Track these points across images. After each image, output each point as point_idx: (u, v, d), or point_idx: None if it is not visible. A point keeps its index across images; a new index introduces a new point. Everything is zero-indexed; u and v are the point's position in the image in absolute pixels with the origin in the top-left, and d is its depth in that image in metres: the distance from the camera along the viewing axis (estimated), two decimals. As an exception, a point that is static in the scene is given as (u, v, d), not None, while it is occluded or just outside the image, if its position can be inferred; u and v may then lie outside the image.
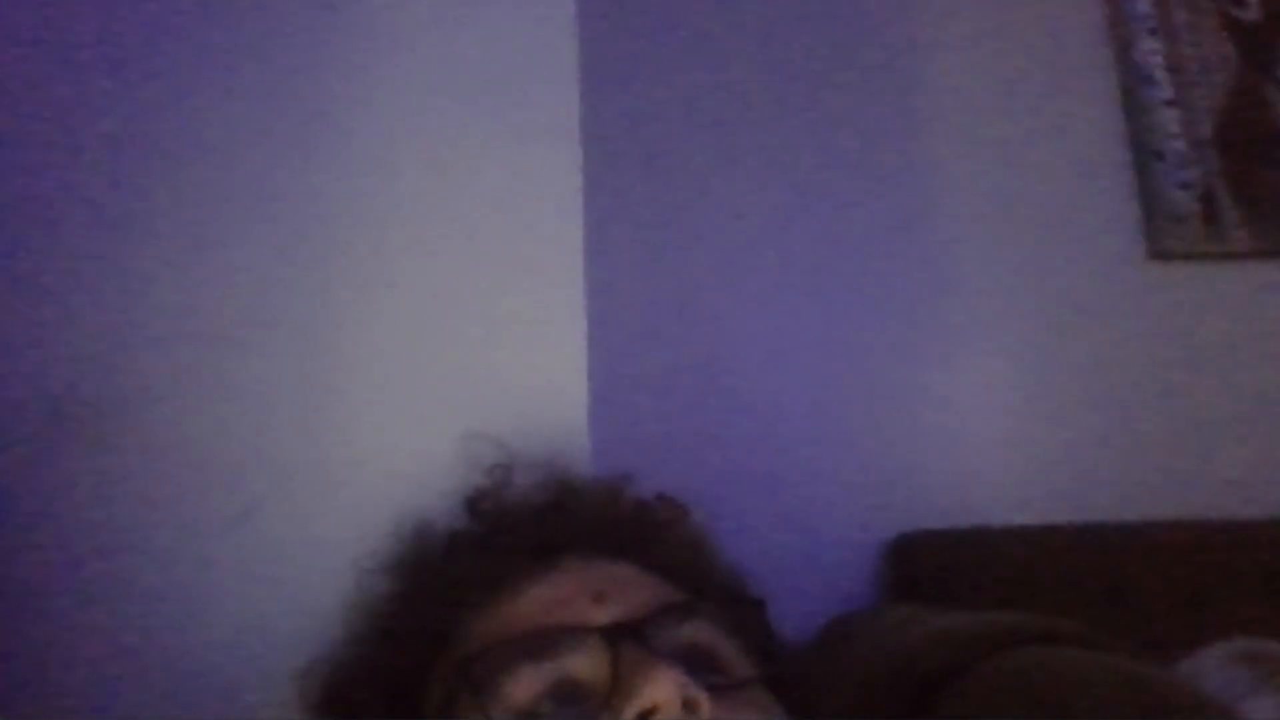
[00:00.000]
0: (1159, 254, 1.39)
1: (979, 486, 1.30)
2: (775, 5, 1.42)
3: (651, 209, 1.31)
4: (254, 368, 0.65)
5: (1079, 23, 1.46)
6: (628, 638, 0.45)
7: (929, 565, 1.18)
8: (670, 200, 1.33)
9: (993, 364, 1.36)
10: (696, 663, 0.45)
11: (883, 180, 1.39)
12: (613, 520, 0.56)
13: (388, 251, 0.69)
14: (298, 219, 0.68)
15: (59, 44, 0.66)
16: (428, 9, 0.71)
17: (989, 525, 1.22)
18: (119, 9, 0.67)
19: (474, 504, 0.59)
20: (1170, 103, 1.43)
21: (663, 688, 0.41)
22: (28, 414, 0.61)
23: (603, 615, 0.47)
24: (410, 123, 0.70)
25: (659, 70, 1.37)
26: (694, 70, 1.38)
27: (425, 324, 0.68)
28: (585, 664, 0.45)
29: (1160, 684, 0.57)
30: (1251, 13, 1.45)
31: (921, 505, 1.26)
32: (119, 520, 0.62)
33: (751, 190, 1.35)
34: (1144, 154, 1.41)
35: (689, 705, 0.42)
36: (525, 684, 0.45)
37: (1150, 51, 1.44)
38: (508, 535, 0.55)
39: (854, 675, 0.71)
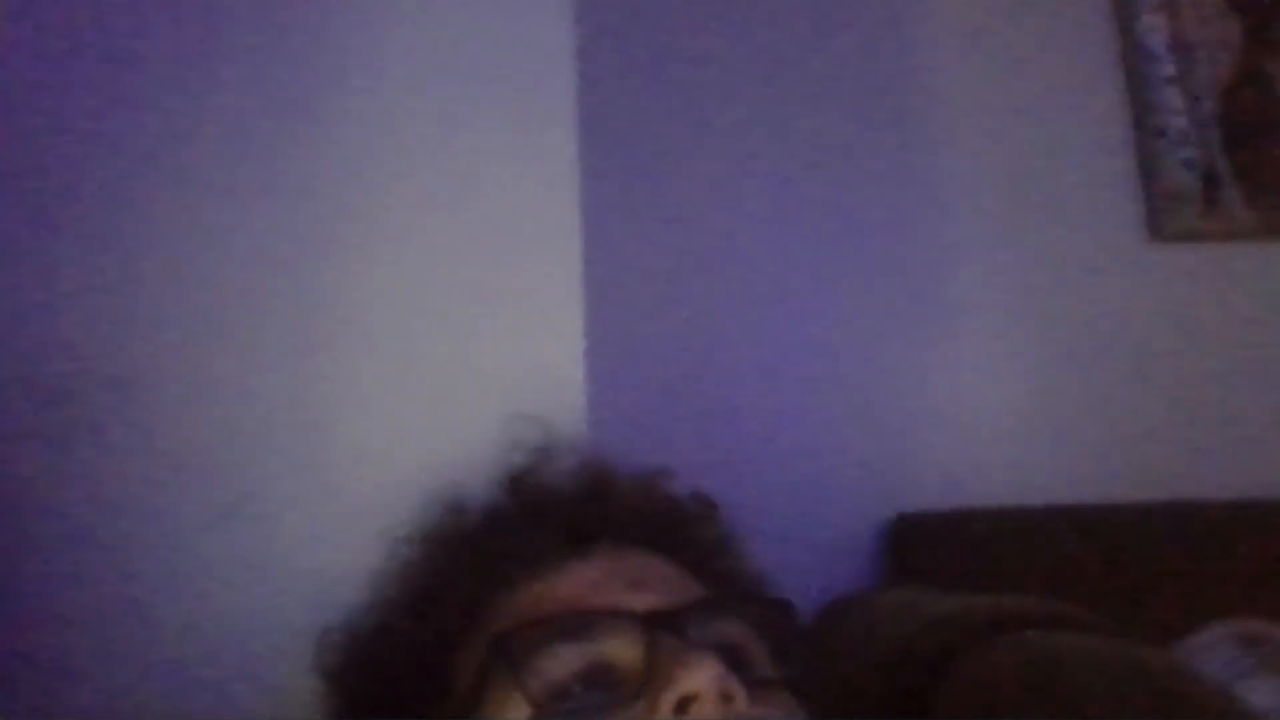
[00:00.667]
0: (1160, 234, 1.39)
1: (978, 468, 1.30)
2: (775, -18, 1.40)
3: (649, 188, 1.30)
4: (246, 357, 0.65)
5: (1081, 2, 1.45)
6: (664, 627, 0.45)
7: (927, 546, 1.18)
8: (668, 179, 1.32)
9: (992, 345, 1.36)
10: (729, 657, 0.45)
11: (883, 160, 1.38)
12: (648, 512, 0.56)
13: (381, 236, 0.68)
14: (290, 205, 0.67)
15: (54, 30, 0.65)
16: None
17: (987, 506, 1.22)
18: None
19: (514, 483, 0.59)
20: (1173, 80, 1.42)
21: (702, 677, 0.42)
22: (15, 404, 0.61)
23: (640, 602, 0.47)
24: (404, 104, 0.70)
25: (656, 48, 1.36)
26: (692, 46, 1.37)
27: (419, 308, 0.68)
28: (621, 648, 0.45)
29: (1158, 668, 0.57)
30: (1255, -10, 1.44)
31: (920, 486, 1.27)
32: (109, 511, 0.61)
33: (750, 170, 1.35)
34: (1146, 132, 1.41)
35: (725, 696, 0.42)
36: (561, 663, 0.45)
37: (1154, 29, 1.43)
38: (545, 516, 0.54)
39: (855, 658, 0.71)
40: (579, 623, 0.46)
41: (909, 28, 1.42)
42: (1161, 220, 1.39)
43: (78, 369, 0.62)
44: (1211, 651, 0.97)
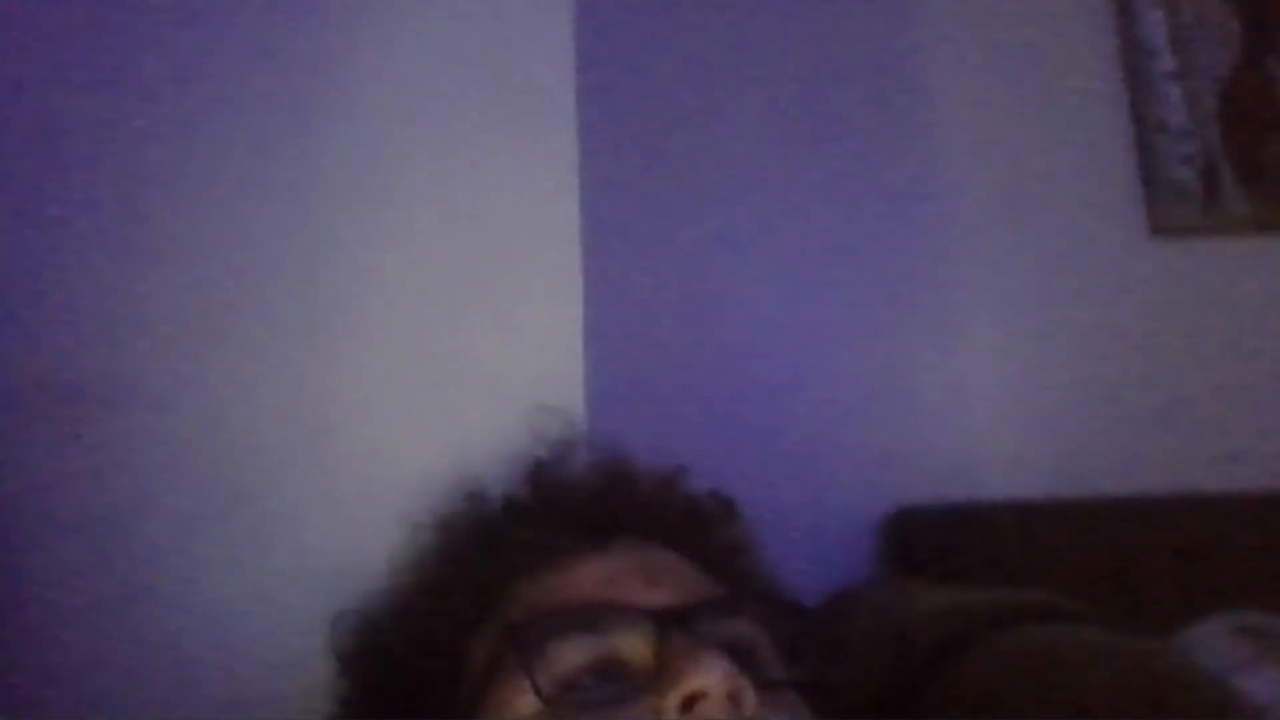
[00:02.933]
0: (1160, 229, 1.39)
1: (978, 461, 1.30)
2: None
3: (648, 184, 1.31)
4: (244, 354, 0.65)
5: (1080, -2, 1.45)
6: (676, 624, 0.45)
7: (927, 539, 1.19)
8: (667, 175, 1.32)
9: (992, 338, 1.36)
10: (739, 658, 0.45)
11: (882, 155, 1.38)
12: (666, 509, 0.56)
13: (382, 232, 0.68)
14: (289, 203, 0.67)
15: (52, 26, 0.65)
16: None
17: (986, 499, 1.22)
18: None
19: (534, 475, 0.59)
20: (1173, 76, 1.42)
21: (710, 675, 0.42)
22: (10, 400, 0.61)
23: (654, 598, 0.47)
24: (404, 101, 0.70)
25: (656, 45, 1.36)
26: (692, 44, 1.37)
27: (418, 301, 0.68)
28: (632, 644, 0.46)
29: (1156, 661, 0.57)
30: (1255, -17, 1.44)
31: (920, 480, 1.27)
32: (105, 509, 0.61)
33: (748, 166, 1.35)
34: (1146, 128, 1.41)
35: (734, 697, 0.42)
36: (571, 655, 0.45)
37: (1153, 23, 1.43)
38: (564, 509, 0.55)
39: (857, 649, 0.72)
40: (590, 616, 0.46)
41: (908, 22, 1.42)
42: (1161, 215, 1.39)
43: (78, 364, 0.62)
44: (1210, 643, 0.98)
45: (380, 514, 0.60)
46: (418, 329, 0.68)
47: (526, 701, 0.45)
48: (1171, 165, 1.39)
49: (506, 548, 0.52)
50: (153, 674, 0.60)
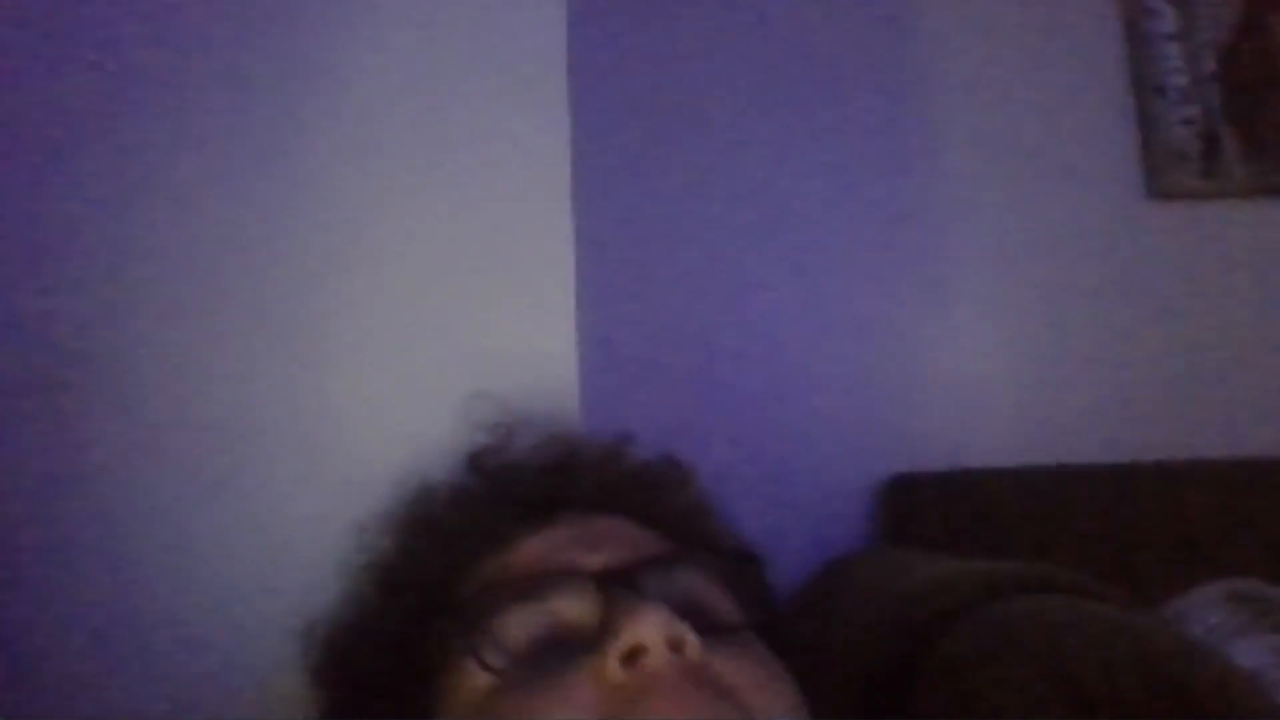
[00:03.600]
0: (1159, 192, 1.38)
1: (974, 428, 1.30)
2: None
3: (642, 157, 1.29)
4: (234, 330, 0.64)
5: (1082, -45, 1.43)
6: (619, 583, 0.45)
7: (922, 507, 1.19)
8: (659, 147, 1.31)
9: (989, 303, 1.36)
10: (689, 609, 0.44)
11: (880, 120, 1.37)
12: (613, 478, 0.56)
13: (371, 211, 0.67)
14: (281, 179, 0.66)
15: (35, 14, 0.64)
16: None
17: (983, 466, 1.23)
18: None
19: (476, 460, 0.58)
20: (1173, 37, 1.40)
21: (647, 627, 0.41)
22: (2, 383, 0.60)
23: (595, 561, 0.47)
24: (396, 83, 0.69)
25: (650, 22, 1.34)
26: (682, 21, 1.35)
27: (410, 284, 0.67)
28: (576, 607, 0.45)
29: (1153, 634, 0.57)
30: (1257, -56, 1.42)
31: (915, 447, 1.27)
32: (92, 487, 0.61)
33: (744, 135, 1.33)
34: (1145, 90, 1.39)
35: (674, 644, 0.41)
36: (516, 626, 0.45)
37: (1154, -16, 1.41)
38: (508, 491, 0.54)
39: (854, 618, 0.72)
40: (531, 585, 0.46)
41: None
42: (1160, 179, 1.38)
43: (53, 343, 0.61)
44: (1203, 610, 0.98)
45: (373, 497, 0.59)
46: (408, 313, 0.67)
47: (476, 681, 0.44)
48: (1171, 128, 1.38)
49: (453, 539, 0.52)
50: (139, 651, 0.60)
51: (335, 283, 0.66)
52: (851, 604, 0.78)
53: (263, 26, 0.67)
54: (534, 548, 0.49)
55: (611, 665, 0.41)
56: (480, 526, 0.51)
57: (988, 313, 1.36)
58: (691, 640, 0.41)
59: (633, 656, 0.41)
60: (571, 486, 0.54)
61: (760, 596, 0.50)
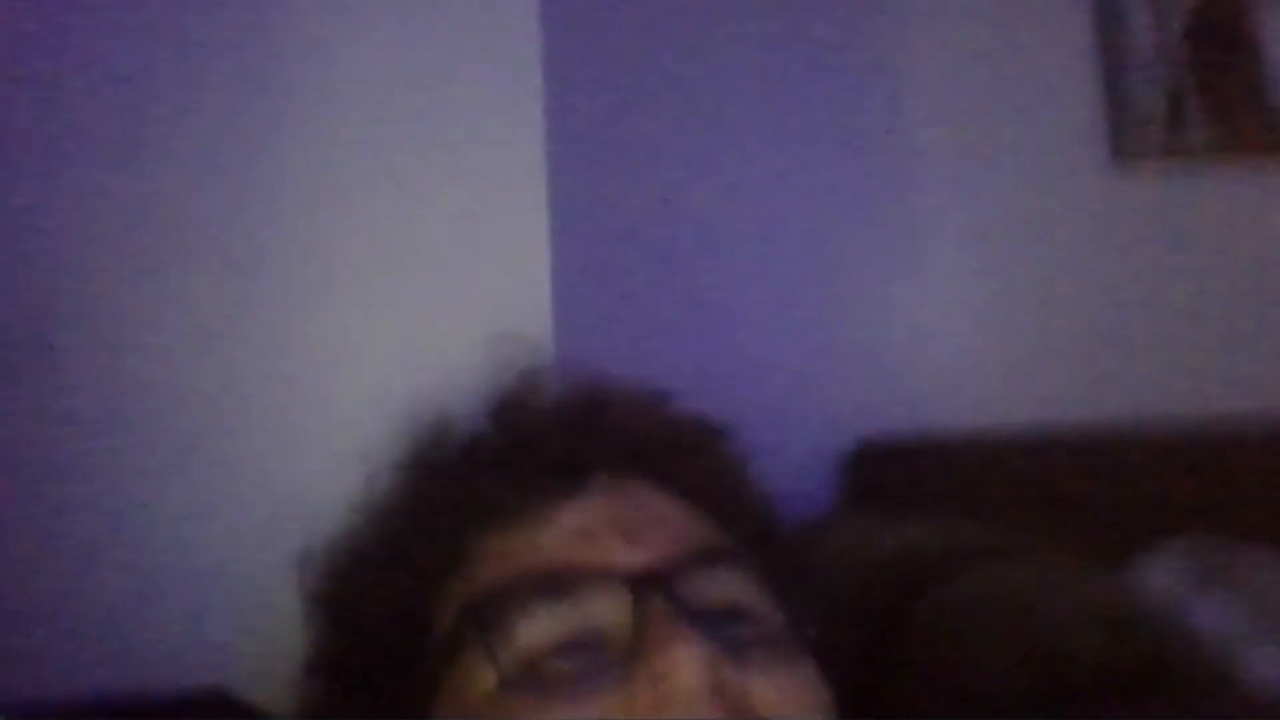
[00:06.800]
0: (1124, 154, 1.38)
1: (941, 392, 1.31)
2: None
3: (613, 119, 1.27)
4: (199, 284, 0.63)
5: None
6: (655, 589, 0.41)
7: (890, 472, 1.20)
8: (631, 111, 1.29)
9: (956, 265, 1.37)
10: (728, 616, 0.42)
11: (849, 84, 1.36)
12: (647, 440, 0.51)
13: (343, 153, 0.66)
14: (255, 138, 0.65)
15: None
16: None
17: (949, 430, 1.23)
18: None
19: (498, 411, 0.53)
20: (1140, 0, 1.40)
21: (687, 668, 0.38)
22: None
23: (631, 558, 0.43)
24: (371, 38, 0.67)
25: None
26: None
27: (384, 231, 0.66)
28: (608, 611, 0.42)
29: (1118, 601, 0.58)
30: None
31: (883, 412, 1.27)
32: (51, 457, 0.59)
33: (715, 94, 1.32)
34: (1112, 52, 1.39)
35: (714, 690, 0.38)
36: (539, 629, 0.42)
37: (1123, -55, 1.40)
38: (532, 448, 0.49)
39: (821, 590, 0.72)
40: (560, 585, 0.43)
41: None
42: (1125, 142, 1.38)
43: (37, 301, 0.60)
44: (1163, 569, 1.00)
45: (348, 454, 0.58)
46: (381, 259, 0.66)
47: (487, 683, 0.41)
48: (1137, 90, 1.38)
49: (471, 499, 0.48)
50: (107, 625, 0.59)
51: (303, 228, 0.65)
52: (818, 573, 0.78)
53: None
54: (564, 528, 0.45)
55: (642, 695, 0.39)
56: (501, 489, 0.47)
57: (955, 276, 1.36)
58: (732, 676, 0.39)
59: (661, 680, 0.39)
60: (601, 446, 0.50)
61: (799, 589, 0.48)
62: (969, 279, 1.36)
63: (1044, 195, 1.37)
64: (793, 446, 1.28)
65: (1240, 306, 1.34)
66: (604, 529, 0.45)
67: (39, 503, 0.59)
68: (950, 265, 1.36)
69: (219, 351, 0.63)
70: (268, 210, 0.65)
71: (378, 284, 0.66)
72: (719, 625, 0.41)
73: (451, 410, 0.53)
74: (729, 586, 0.44)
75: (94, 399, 0.61)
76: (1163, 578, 0.97)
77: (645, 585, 0.42)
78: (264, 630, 0.57)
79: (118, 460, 0.61)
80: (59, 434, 0.60)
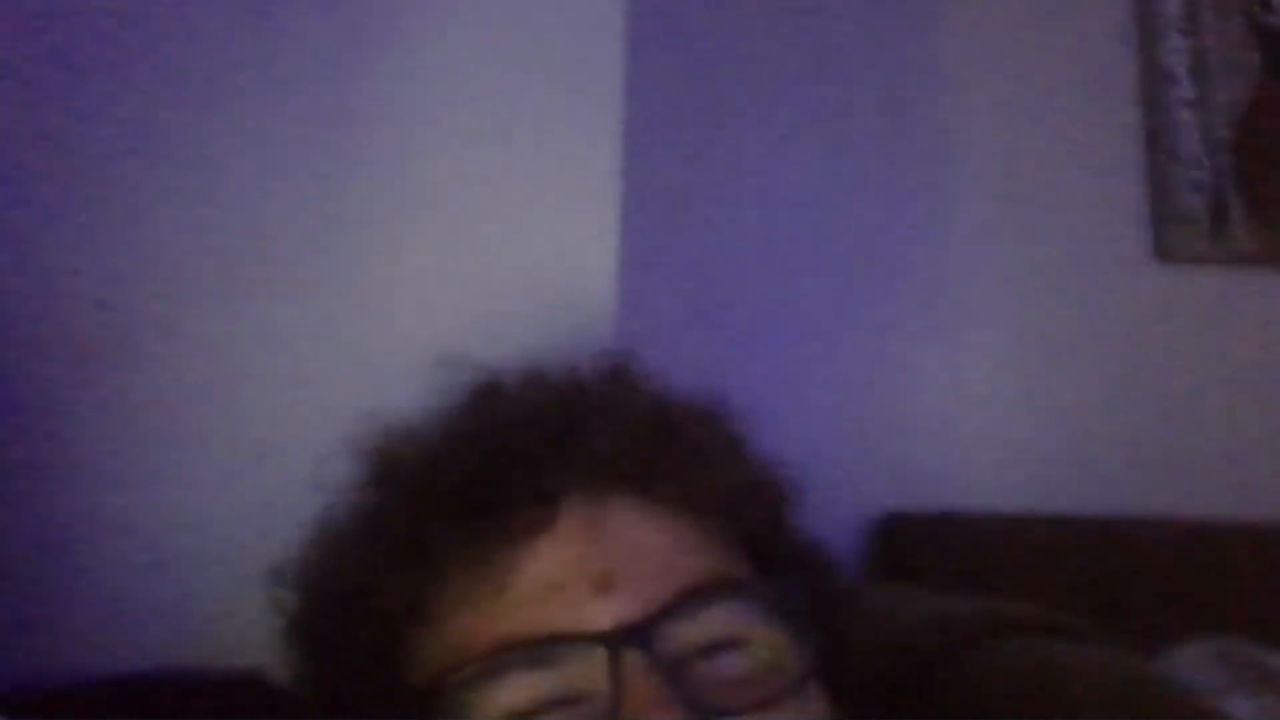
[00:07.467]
0: (1165, 254, 1.39)
1: (969, 470, 1.30)
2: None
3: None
4: (268, 257, 0.63)
5: (1104, 18, 1.45)
6: (632, 646, 0.40)
7: (915, 545, 1.19)
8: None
9: (991, 348, 1.37)
10: (719, 649, 0.41)
11: (893, 159, 1.38)
12: (636, 445, 0.47)
13: (416, 138, 0.67)
14: (321, 110, 0.65)
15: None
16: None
17: (977, 509, 1.23)
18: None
19: (465, 421, 0.49)
20: (1190, 104, 1.42)
21: None
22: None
23: (606, 613, 0.41)
24: (449, 10, 0.68)
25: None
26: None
27: (448, 207, 0.66)
28: (586, 671, 0.40)
29: (1153, 682, 0.58)
30: (1279, 19, 1.44)
31: (911, 486, 1.27)
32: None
33: (759, 164, 1.33)
34: (1159, 154, 1.41)
35: None
36: (518, 694, 0.41)
37: (1175, 50, 1.43)
38: (501, 464, 0.45)
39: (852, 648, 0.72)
40: (534, 654, 0.41)
41: (929, 27, 1.42)
42: (1167, 242, 1.39)
43: (63, 290, 0.60)
44: (1190, 667, 0.99)
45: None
46: (445, 225, 0.66)
47: None
48: (1181, 192, 1.40)
49: (431, 543, 0.45)
50: (151, 603, 0.59)
51: (369, 192, 0.65)
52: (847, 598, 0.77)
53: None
54: (533, 581, 0.43)
55: None
56: (462, 534, 0.44)
57: (989, 357, 1.36)
58: None
59: None
60: (581, 457, 0.45)
61: (819, 605, 0.45)
62: (1002, 362, 1.36)
63: (1082, 286, 1.38)
64: (819, 515, 1.27)
65: (1272, 408, 1.35)
66: (574, 578, 0.42)
67: (76, 481, 0.59)
68: (984, 346, 1.37)
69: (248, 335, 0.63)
70: (331, 185, 0.65)
71: (450, 259, 0.66)
72: (708, 663, 0.41)
73: (411, 419, 0.50)
74: (716, 621, 0.42)
75: (152, 374, 0.61)
76: (1190, 673, 0.96)
77: (621, 643, 0.40)
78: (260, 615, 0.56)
79: (158, 429, 0.61)
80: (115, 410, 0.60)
